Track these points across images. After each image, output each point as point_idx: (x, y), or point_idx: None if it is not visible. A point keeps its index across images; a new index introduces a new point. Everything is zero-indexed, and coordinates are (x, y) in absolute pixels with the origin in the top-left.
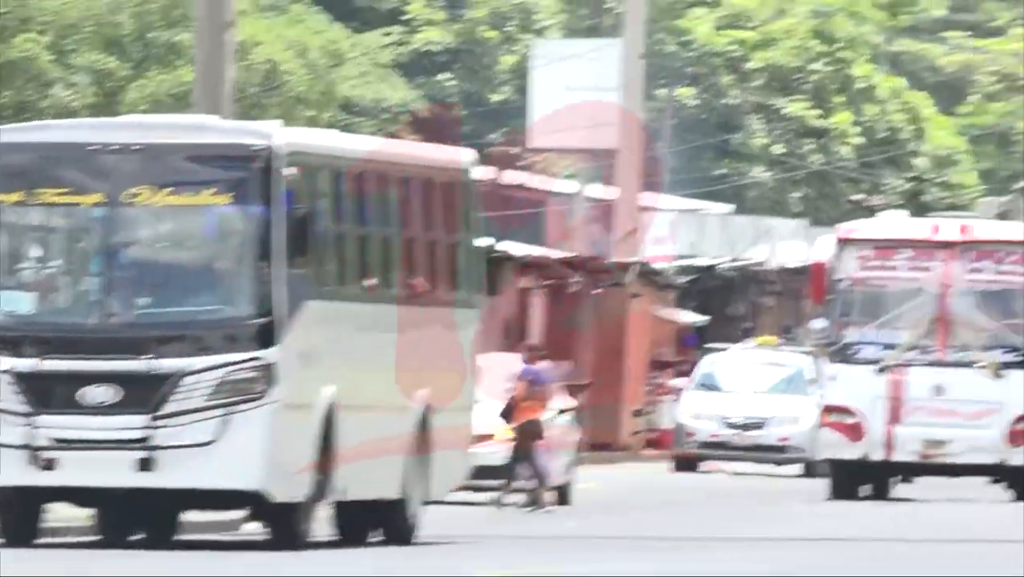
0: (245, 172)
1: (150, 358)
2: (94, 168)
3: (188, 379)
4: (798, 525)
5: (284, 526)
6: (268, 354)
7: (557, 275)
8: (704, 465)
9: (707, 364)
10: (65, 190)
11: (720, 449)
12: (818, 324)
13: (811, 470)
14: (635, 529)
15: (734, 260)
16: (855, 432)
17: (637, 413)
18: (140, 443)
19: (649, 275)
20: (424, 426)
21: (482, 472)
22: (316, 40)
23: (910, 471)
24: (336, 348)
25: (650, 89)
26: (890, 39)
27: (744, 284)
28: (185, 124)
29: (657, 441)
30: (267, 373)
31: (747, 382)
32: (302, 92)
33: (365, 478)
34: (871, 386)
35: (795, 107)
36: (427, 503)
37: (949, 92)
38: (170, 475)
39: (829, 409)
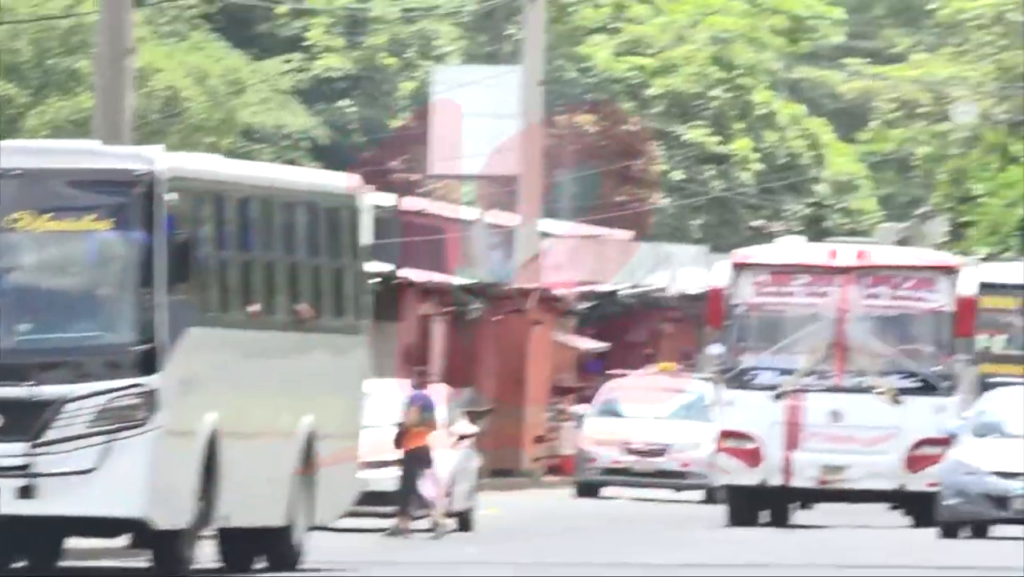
0: (127, 197)
1: (31, 385)
2: None
3: (70, 406)
4: (700, 551)
5: (167, 553)
6: (150, 381)
7: (458, 301)
8: (606, 491)
9: (608, 390)
10: None
11: (622, 475)
12: (715, 350)
13: (712, 496)
14: (538, 555)
15: (634, 286)
16: (753, 458)
17: (538, 439)
18: (21, 470)
19: (550, 301)
20: (309, 452)
21: (374, 498)
22: (216, 67)
23: (809, 497)
24: (219, 374)
25: (550, 115)
26: (789, 66)
27: (645, 310)
28: (67, 149)
29: (559, 467)
30: (149, 400)
31: (648, 408)
32: (202, 119)
33: (249, 505)
34: (768, 412)
35: (695, 133)
36: (314, 529)
37: (849, 119)
38: (51, 502)
39: (726, 435)
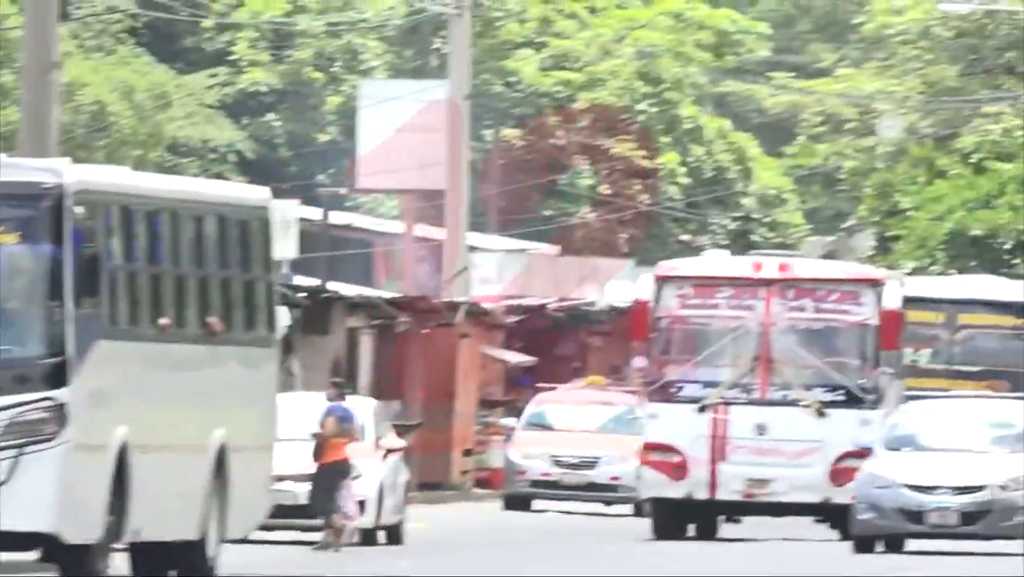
0: (34, 210)
1: None
2: None
3: None
4: (623, 564)
5: (77, 568)
6: (59, 394)
7: (386, 315)
8: (536, 504)
9: (537, 403)
10: None
11: (551, 488)
12: (639, 362)
13: (640, 509)
14: (467, 568)
15: (561, 300)
16: (677, 471)
17: (467, 452)
18: None
19: (478, 315)
20: (221, 465)
21: (292, 511)
22: (142, 81)
23: (734, 510)
24: (129, 388)
25: (476, 130)
26: (715, 80)
27: (573, 324)
28: None
29: (487, 480)
30: (58, 413)
31: (577, 421)
32: (128, 134)
33: (160, 518)
34: (693, 425)
35: (622, 147)
36: (229, 542)
37: (776, 133)
38: None
39: (650, 447)
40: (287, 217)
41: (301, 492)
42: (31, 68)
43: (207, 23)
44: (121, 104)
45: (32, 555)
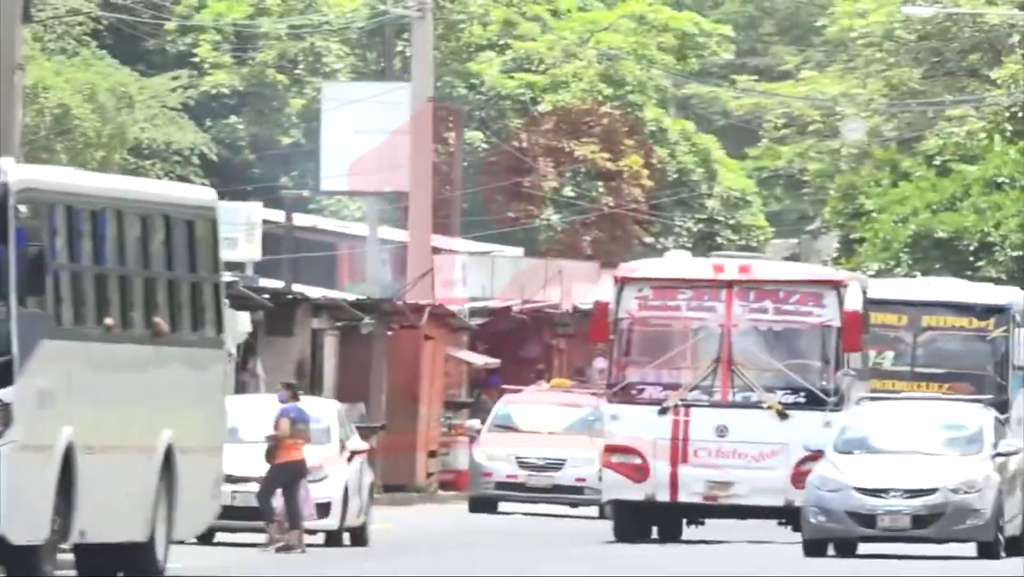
0: None
1: None
2: None
3: None
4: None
5: (23, 570)
6: (3, 394)
7: (350, 317)
8: (501, 506)
9: (503, 405)
10: None
11: (516, 490)
12: (600, 364)
13: (604, 511)
14: (432, 570)
15: (525, 302)
16: (638, 473)
17: (432, 454)
18: None
19: (442, 317)
20: (169, 466)
21: (244, 513)
22: (104, 83)
23: (696, 513)
24: (75, 388)
25: (440, 132)
26: (678, 83)
27: (537, 326)
28: None
29: (452, 482)
30: (2, 413)
31: (543, 423)
32: (92, 136)
33: (107, 520)
34: (654, 427)
35: (585, 150)
36: (178, 543)
37: (740, 135)
38: None
39: (611, 449)
40: (251, 219)
41: (249, 494)
42: None
43: (170, 25)
44: (84, 107)
45: None
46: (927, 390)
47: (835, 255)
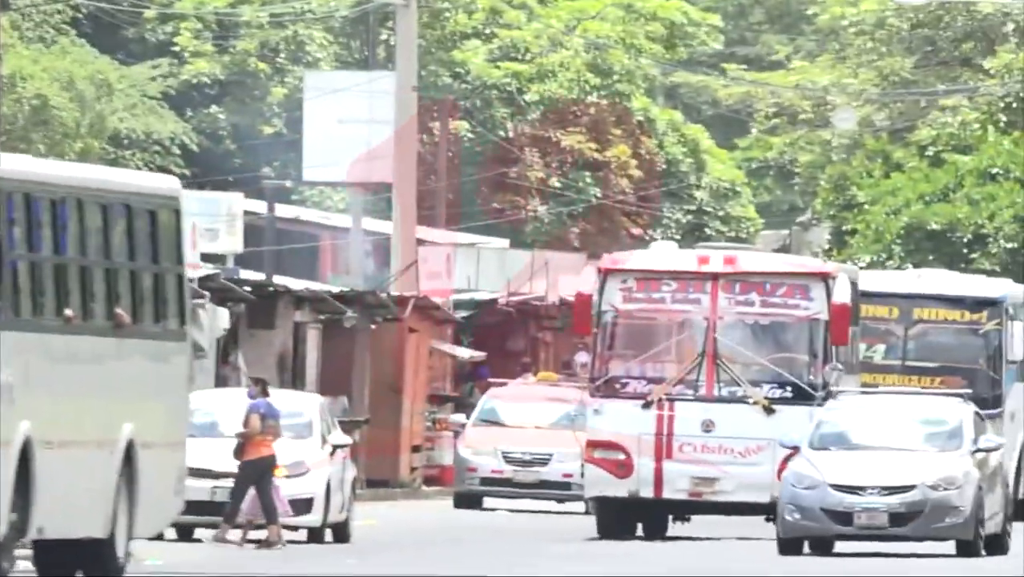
0: None
1: None
2: None
3: None
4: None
5: None
6: None
7: (333, 309)
8: (487, 502)
9: (488, 399)
10: None
11: (502, 485)
12: (583, 357)
13: (590, 507)
14: (415, 567)
15: (511, 295)
16: (623, 469)
17: (416, 449)
18: None
19: (427, 309)
20: (130, 461)
21: (212, 508)
22: (83, 71)
23: (681, 509)
24: (33, 381)
25: (424, 122)
26: (666, 71)
27: (523, 319)
28: None
29: (437, 477)
30: None
31: (529, 417)
32: (71, 126)
33: (66, 516)
34: (638, 421)
35: (572, 140)
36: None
37: (729, 125)
38: None
39: (594, 444)
40: (232, 210)
41: (219, 490)
42: None
43: (149, 13)
44: (62, 96)
45: None
46: (918, 384)
47: (826, 247)
